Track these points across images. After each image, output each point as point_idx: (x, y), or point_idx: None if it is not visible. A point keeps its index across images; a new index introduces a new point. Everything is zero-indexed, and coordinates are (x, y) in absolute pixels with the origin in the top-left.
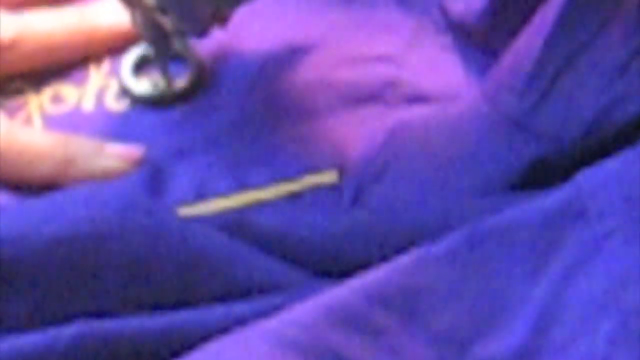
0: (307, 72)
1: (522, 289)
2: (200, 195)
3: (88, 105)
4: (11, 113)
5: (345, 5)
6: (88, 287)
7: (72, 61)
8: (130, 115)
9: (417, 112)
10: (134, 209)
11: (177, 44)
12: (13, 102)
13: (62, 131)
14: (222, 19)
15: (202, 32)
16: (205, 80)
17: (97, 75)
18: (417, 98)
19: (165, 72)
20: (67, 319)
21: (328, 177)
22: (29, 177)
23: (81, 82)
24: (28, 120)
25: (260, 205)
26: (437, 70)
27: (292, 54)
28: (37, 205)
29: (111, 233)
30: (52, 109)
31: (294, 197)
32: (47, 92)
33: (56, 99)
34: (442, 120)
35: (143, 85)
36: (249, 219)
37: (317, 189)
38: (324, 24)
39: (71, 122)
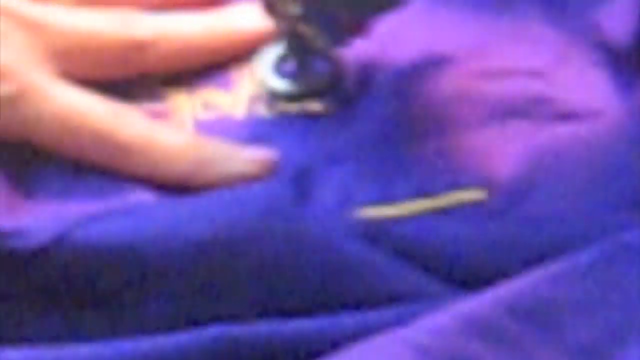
0: (453, 83)
1: None
2: (345, 204)
3: (239, 111)
4: (163, 117)
5: (495, 17)
6: (227, 290)
7: (211, 63)
8: (280, 122)
9: (564, 130)
10: (275, 214)
11: (318, 44)
12: (165, 107)
13: (213, 136)
14: (362, 29)
15: (342, 42)
16: (344, 79)
17: (248, 81)
18: (565, 116)
19: (305, 77)
20: (206, 321)
21: (474, 194)
22: (164, 176)
23: (232, 88)
24: (180, 125)
25: (404, 219)
26: (586, 87)
27: (438, 65)
28: (179, 206)
29: (251, 237)
30: (204, 115)
31: (439, 212)
32: (199, 97)
33: (207, 104)
34: (587, 137)
35: (282, 83)
36: (390, 228)
37: (462, 206)
38: (472, 35)
39: (221, 128)
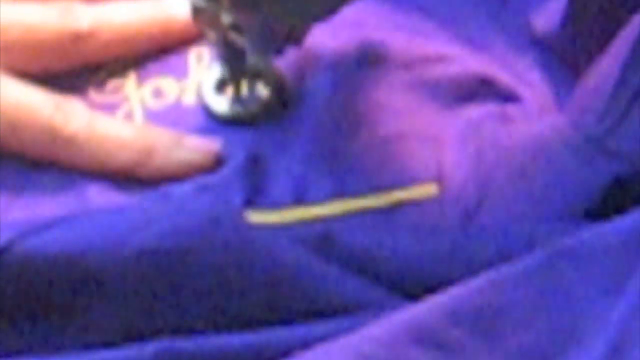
0: (393, 70)
1: (600, 309)
2: (299, 199)
3: (189, 99)
4: (112, 109)
5: (435, 14)
6: (171, 301)
7: (150, 52)
8: None
9: (511, 132)
10: (221, 224)
11: (256, 62)
12: (114, 98)
13: (163, 126)
14: (297, 39)
15: (277, 52)
16: (287, 96)
17: (198, 68)
18: (511, 97)
19: (239, 91)
20: (150, 333)
21: (428, 189)
22: (108, 166)
23: (182, 75)
24: (129, 115)
25: (357, 215)
26: (528, 83)
27: (376, 53)
28: (125, 214)
29: (196, 247)
30: (153, 103)
31: (392, 209)
32: (148, 86)
33: (157, 93)
34: (529, 142)
35: (223, 103)
36: (337, 233)
37: (416, 203)
38: (409, 26)
39: (172, 117)
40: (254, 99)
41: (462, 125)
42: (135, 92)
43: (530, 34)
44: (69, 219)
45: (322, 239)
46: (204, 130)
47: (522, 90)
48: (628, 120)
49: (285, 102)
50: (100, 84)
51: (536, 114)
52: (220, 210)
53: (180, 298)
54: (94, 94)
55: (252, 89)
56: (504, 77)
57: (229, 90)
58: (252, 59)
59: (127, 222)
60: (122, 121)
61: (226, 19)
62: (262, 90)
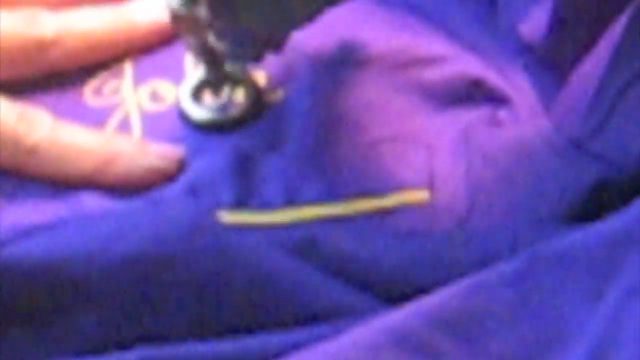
0: (386, 73)
1: (582, 313)
2: (290, 200)
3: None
4: (107, 113)
5: (424, 18)
6: (154, 307)
7: (112, 58)
8: None
9: (501, 114)
10: (202, 230)
11: (232, 68)
12: (109, 101)
13: (162, 129)
14: (276, 45)
15: (256, 58)
16: (264, 103)
17: (194, 71)
18: (502, 99)
19: (219, 96)
20: (133, 340)
21: (419, 195)
22: (71, 175)
23: (179, 78)
24: (126, 119)
25: (347, 219)
26: (518, 87)
27: (367, 55)
28: (108, 221)
29: (178, 254)
30: (151, 107)
31: (383, 214)
32: (145, 89)
33: (154, 96)
34: (514, 145)
35: (201, 111)
36: (321, 237)
37: (406, 208)
38: (397, 30)
39: (170, 120)
40: (232, 106)
41: (453, 129)
42: (133, 94)
43: (518, 39)
44: (51, 226)
45: (306, 243)
46: (202, 133)
47: (512, 94)
48: (611, 122)
49: (262, 108)
50: (97, 87)
51: (525, 117)
52: (204, 216)
53: (162, 305)
54: (90, 97)
55: (230, 95)
56: (495, 78)
57: (206, 97)
58: (230, 65)
59: (110, 228)
60: (86, 129)
61: (205, 24)
62: (240, 97)
